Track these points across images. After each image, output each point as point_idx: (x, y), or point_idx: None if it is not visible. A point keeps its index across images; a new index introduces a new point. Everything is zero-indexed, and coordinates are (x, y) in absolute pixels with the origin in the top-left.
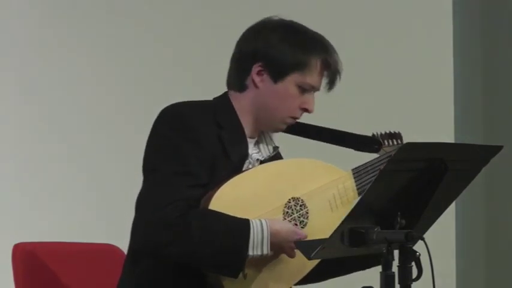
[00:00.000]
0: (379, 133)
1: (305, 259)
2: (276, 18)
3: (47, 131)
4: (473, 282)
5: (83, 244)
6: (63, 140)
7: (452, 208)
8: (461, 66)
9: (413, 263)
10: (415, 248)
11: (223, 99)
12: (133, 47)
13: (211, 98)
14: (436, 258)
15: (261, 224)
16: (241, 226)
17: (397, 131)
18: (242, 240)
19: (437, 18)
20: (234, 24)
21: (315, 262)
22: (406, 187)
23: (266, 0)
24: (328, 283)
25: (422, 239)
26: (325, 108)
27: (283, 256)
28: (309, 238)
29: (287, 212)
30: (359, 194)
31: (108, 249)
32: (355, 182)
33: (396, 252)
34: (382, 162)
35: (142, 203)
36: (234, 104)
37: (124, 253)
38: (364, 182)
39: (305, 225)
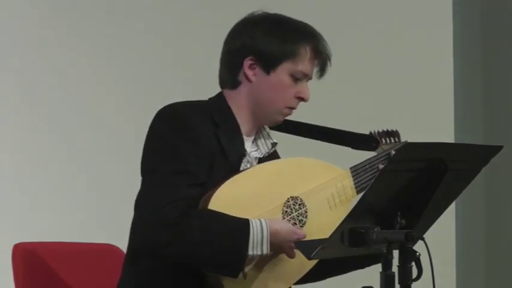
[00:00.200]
0: (376, 131)
1: (304, 258)
2: (260, 12)
3: (47, 131)
4: (473, 282)
5: (83, 244)
6: (63, 140)
7: (452, 208)
8: (461, 66)
9: (413, 263)
10: (415, 248)
11: (219, 98)
12: (133, 47)
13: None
14: (436, 258)
15: (261, 223)
16: (241, 226)
17: (394, 129)
18: (242, 240)
19: (437, 18)
20: (234, 24)
21: (314, 261)
22: (406, 187)
23: (266, 0)
24: (328, 283)
25: (422, 239)
26: (325, 108)
27: (283, 256)
28: (308, 237)
29: (286, 211)
30: (357, 192)
31: (108, 249)
32: (354, 180)
33: (396, 252)
34: (380, 160)
35: (141, 203)
36: (229, 102)
37: (124, 253)
38: (362, 180)
39: (304, 224)
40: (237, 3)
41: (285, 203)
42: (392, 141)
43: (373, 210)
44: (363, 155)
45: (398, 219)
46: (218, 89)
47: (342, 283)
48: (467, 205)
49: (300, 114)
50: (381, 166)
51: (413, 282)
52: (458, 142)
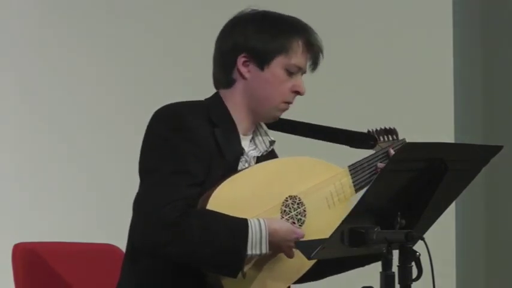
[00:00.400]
0: (374, 129)
1: (303, 258)
2: (248, 10)
3: (47, 131)
4: (473, 282)
5: (83, 244)
6: (63, 140)
7: (452, 208)
8: (461, 66)
9: (413, 263)
10: (415, 248)
11: (215, 98)
12: (133, 47)
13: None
14: (436, 258)
15: (259, 223)
16: (240, 226)
17: (392, 127)
18: (241, 240)
19: (437, 18)
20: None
21: (313, 261)
22: (406, 187)
23: (266, 0)
24: (328, 283)
25: (422, 239)
26: (325, 108)
27: (282, 255)
28: (307, 236)
29: (285, 211)
30: (356, 190)
31: (108, 249)
32: (352, 178)
33: (396, 252)
34: (378, 158)
35: (140, 204)
36: (225, 101)
37: (124, 253)
38: (360, 178)
39: (303, 223)
40: (237, 3)
41: (283, 202)
42: (390, 139)
43: (373, 210)
44: (361, 153)
45: (398, 219)
46: None
47: (342, 283)
48: (467, 205)
49: (300, 114)
50: (379, 164)
51: (413, 282)
52: (458, 142)
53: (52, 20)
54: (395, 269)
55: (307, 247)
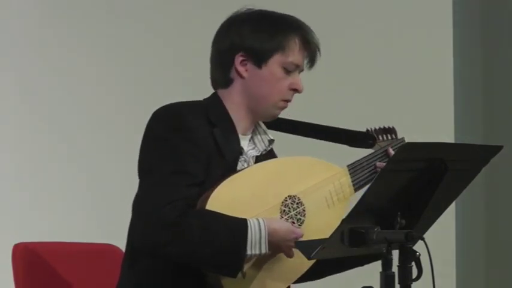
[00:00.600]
0: (373, 128)
1: (303, 257)
2: (244, 9)
3: (47, 131)
4: (473, 282)
5: (83, 244)
6: (63, 140)
7: (452, 208)
8: (461, 66)
9: (413, 263)
10: (415, 248)
11: (214, 98)
12: (133, 47)
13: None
14: (436, 258)
15: (259, 223)
16: (239, 226)
17: (391, 126)
18: (240, 240)
19: (437, 18)
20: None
21: (313, 260)
22: (406, 187)
23: (266, 0)
24: (328, 283)
25: (422, 239)
26: (325, 108)
27: (282, 255)
28: (307, 236)
29: (284, 211)
30: (355, 190)
31: (108, 249)
32: (351, 178)
33: (396, 252)
34: (377, 157)
35: (140, 204)
36: (224, 101)
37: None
38: (359, 177)
39: (302, 223)
40: (237, 4)
41: (282, 202)
42: (389, 138)
43: (373, 210)
44: (360, 153)
45: (398, 219)
46: None
47: (342, 283)
48: (467, 205)
49: (300, 114)
50: (378, 163)
51: (413, 282)
52: (458, 142)
53: (52, 20)
54: (395, 269)
55: (307, 247)
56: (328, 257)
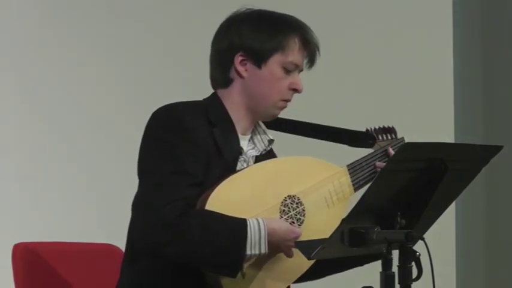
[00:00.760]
0: (372, 128)
1: (303, 257)
2: (243, 9)
3: (47, 131)
4: (473, 282)
5: (83, 244)
6: (63, 140)
7: (452, 208)
8: (461, 66)
9: (413, 263)
10: (415, 248)
11: (213, 98)
12: (133, 47)
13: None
14: (436, 258)
15: (258, 223)
16: (239, 226)
17: (390, 126)
18: (240, 240)
19: (437, 18)
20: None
21: (313, 260)
22: (406, 187)
23: (266, 0)
24: (328, 283)
25: (422, 239)
26: (325, 108)
27: (281, 255)
28: (307, 235)
29: (284, 210)
30: (355, 189)
31: (108, 249)
32: (351, 177)
33: (396, 252)
34: (377, 157)
35: (140, 204)
36: (223, 101)
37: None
38: (359, 177)
39: (302, 222)
40: (237, 4)
41: (282, 202)
42: (389, 137)
43: (373, 210)
44: (360, 152)
45: (398, 219)
46: None
47: (342, 283)
48: (467, 205)
49: (300, 114)
50: (378, 163)
51: (413, 282)
52: (458, 142)
53: (52, 20)
54: (395, 269)
55: (307, 247)
56: (328, 257)
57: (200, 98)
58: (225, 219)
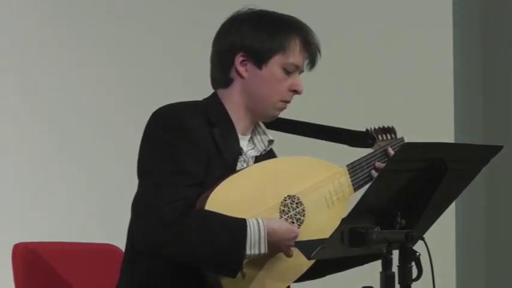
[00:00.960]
0: (372, 128)
1: (302, 257)
2: (245, 9)
3: (47, 131)
4: (473, 282)
5: (83, 244)
6: (63, 140)
7: (452, 208)
8: (461, 66)
9: (413, 263)
10: (415, 248)
11: (213, 98)
12: (133, 47)
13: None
14: (436, 258)
15: (258, 223)
16: (239, 226)
17: (390, 125)
18: (240, 240)
19: (437, 18)
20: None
21: (313, 260)
22: (406, 187)
23: (266, 0)
24: (328, 283)
25: (422, 239)
26: (325, 108)
27: (281, 255)
28: (306, 235)
29: (283, 211)
30: (355, 189)
31: (108, 249)
32: (351, 177)
33: (396, 252)
34: (376, 157)
35: (140, 204)
36: (223, 101)
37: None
38: (359, 177)
39: (302, 222)
40: (237, 4)
41: (282, 202)
42: (389, 137)
43: (373, 210)
44: (360, 152)
45: (398, 219)
46: None
47: (342, 283)
48: (467, 205)
49: (300, 114)
50: (378, 163)
51: (413, 282)
52: (458, 142)
53: (52, 20)
54: (395, 269)
55: (307, 247)
56: (328, 257)
57: (200, 98)
58: (225, 219)
